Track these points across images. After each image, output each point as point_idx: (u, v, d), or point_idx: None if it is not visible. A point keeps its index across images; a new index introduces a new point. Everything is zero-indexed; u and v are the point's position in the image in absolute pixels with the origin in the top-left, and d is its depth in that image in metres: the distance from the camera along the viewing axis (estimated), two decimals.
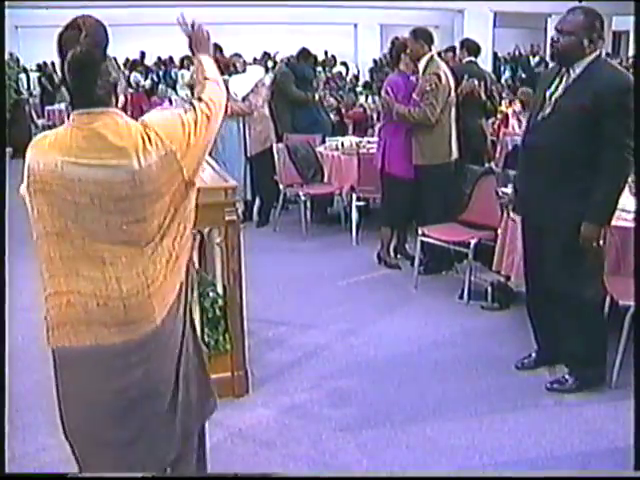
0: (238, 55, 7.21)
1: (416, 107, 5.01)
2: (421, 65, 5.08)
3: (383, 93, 5.20)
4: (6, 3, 12.07)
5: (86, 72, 1.94)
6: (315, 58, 8.44)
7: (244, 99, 6.65)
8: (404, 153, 5.17)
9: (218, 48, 8.44)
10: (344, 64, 17.23)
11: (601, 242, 3.29)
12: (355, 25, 19.03)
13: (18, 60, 14.74)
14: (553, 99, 3.34)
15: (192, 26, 2.39)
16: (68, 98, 2.03)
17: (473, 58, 6.21)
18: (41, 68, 15.66)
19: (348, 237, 6.34)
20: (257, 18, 16.42)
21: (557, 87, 3.35)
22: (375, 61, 17.34)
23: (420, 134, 5.10)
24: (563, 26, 3.25)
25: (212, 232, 3.62)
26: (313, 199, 6.82)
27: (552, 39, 3.32)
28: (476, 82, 5.66)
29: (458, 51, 6.32)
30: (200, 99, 2.17)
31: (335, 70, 15.35)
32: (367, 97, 12.55)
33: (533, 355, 3.81)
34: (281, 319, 4.55)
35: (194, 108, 2.13)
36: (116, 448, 2.16)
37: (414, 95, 5.05)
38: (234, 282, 3.38)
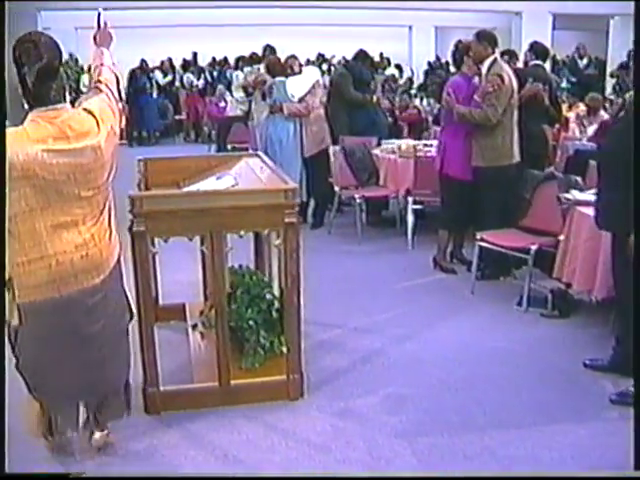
0: (294, 57, 7.20)
1: (477, 108, 4.95)
2: (484, 67, 5.02)
3: (445, 94, 5.16)
4: (67, 4, 12.33)
5: (49, 79, 2.50)
6: (372, 60, 8.39)
7: (301, 100, 6.65)
8: (463, 155, 5.12)
9: (271, 49, 8.48)
10: (398, 67, 17.13)
11: None
12: (410, 27, 18.87)
13: (77, 60, 15.04)
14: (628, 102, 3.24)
15: (103, 26, 3.02)
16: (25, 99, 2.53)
17: (540, 62, 6.09)
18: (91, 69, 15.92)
19: (403, 240, 6.28)
20: (311, 20, 16.40)
21: None
22: (429, 63, 17.21)
23: (480, 136, 5.03)
24: None
25: (270, 234, 3.60)
26: (368, 202, 6.78)
27: None
28: (540, 86, 5.55)
29: (526, 53, 6.21)
30: (99, 81, 2.84)
31: (388, 72, 15.26)
32: (422, 99, 12.46)
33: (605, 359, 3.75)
34: (335, 322, 4.52)
35: (101, 90, 2.78)
36: (77, 372, 2.73)
37: (475, 96, 5.00)
38: (292, 284, 3.33)
